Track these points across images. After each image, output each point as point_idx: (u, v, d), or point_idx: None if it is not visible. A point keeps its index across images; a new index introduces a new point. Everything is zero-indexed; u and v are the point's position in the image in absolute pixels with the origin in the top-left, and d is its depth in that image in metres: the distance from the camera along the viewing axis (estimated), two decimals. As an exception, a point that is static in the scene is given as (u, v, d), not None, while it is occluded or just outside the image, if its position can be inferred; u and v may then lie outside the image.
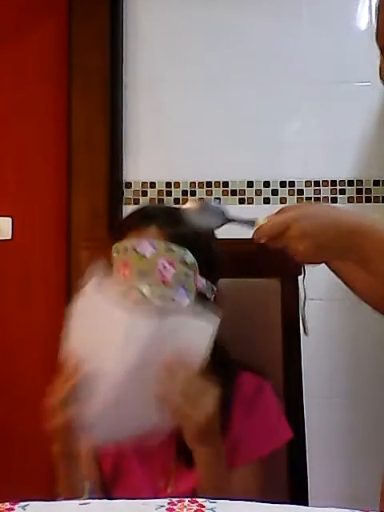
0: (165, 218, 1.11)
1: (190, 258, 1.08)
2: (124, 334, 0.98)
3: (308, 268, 1.39)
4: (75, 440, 1.01)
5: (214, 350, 1.05)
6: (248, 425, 1.09)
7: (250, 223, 1.02)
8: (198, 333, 0.98)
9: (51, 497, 1.04)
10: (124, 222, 1.15)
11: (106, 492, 1.14)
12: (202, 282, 1.10)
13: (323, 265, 1.46)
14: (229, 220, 1.03)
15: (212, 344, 0.98)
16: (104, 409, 0.98)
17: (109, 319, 1.00)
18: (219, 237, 1.33)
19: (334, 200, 1.98)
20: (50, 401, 1.00)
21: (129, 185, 2.02)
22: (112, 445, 1.06)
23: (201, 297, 1.10)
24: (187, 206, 1.04)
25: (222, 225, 1.03)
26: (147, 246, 1.06)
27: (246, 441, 1.07)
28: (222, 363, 1.11)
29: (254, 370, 1.16)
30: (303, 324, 1.26)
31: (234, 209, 2.08)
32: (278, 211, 1.02)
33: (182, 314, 1.00)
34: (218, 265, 1.14)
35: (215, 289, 1.13)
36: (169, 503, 0.79)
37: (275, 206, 1.98)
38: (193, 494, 1.01)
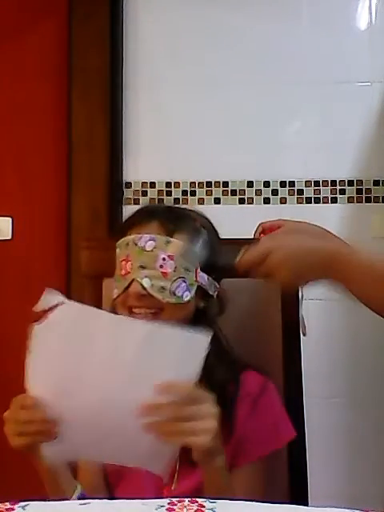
0: (166, 215, 1.12)
1: (190, 252, 1.09)
2: (112, 346, 0.89)
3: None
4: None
5: (218, 349, 1.05)
6: (252, 423, 1.09)
7: (211, 288, 1.06)
8: (190, 348, 0.88)
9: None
10: (127, 220, 1.16)
11: (109, 490, 1.14)
12: (203, 277, 1.10)
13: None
14: (210, 258, 1.05)
15: (203, 362, 0.88)
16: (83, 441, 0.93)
17: (88, 333, 0.92)
18: (221, 237, 1.33)
19: (334, 200, 1.98)
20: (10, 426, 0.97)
21: (129, 185, 2.02)
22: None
23: (203, 293, 1.10)
24: (170, 248, 1.05)
25: (205, 263, 1.05)
26: (147, 239, 1.07)
27: (250, 439, 1.07)
28: (227, 362, 1.11)
29: (257, 368, 1.16)
30: (302, 325, 1.26)
31: (234, 209, 2.10)
32: (258, 242, 1.05)
33: (172, 328, 0.91)
34: (221, 262, 1.14)
35: (218, 286, 1.13)
36: (169, 503, 0.79)
37: (275, 206, 2.02)
38: (197, 492, 1.01)
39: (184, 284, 1.08)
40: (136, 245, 1.07)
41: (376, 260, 1.02)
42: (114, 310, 1.11)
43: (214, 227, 1.19)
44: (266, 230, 1.39)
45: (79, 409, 0.91)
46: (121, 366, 0.89)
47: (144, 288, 1.05)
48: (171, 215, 1.13)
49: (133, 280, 1.06)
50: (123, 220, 1.22)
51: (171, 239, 1.08)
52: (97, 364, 0.90)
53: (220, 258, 1.13)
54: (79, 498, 1.02)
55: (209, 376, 0.96)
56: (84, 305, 0.99)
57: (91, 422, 0.91)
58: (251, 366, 1.16)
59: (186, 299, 1.07)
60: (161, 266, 1.06)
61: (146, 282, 1.05)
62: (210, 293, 1.11)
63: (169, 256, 1.07)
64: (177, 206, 1.25)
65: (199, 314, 1.12)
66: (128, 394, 0.88)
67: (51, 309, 0.97)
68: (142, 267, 1.06)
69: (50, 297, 0.99)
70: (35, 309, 0.96)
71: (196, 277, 1.09)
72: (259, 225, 1.43)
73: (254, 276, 1.03)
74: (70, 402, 0.91)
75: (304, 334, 1.28)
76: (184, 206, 1.22)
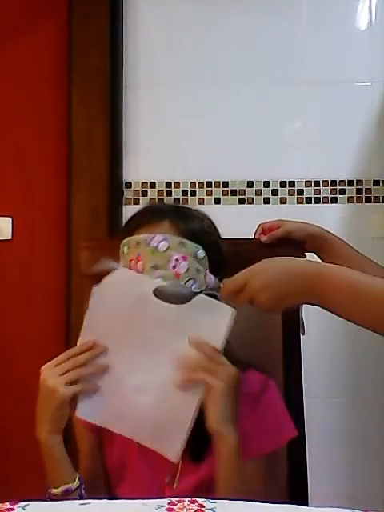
0: (176, 214, 1.13)
1: (201, 253, 1.09)
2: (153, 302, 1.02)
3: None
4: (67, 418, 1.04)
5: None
6: (253, 421, 1.09)
7: (216, 288, 1.07)
8: (220, 315, 1.03)
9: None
10: (134, 218, 1.16)
11: (111, 487, 1.15)
12: (210, 278, 1.11)
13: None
14: (196, 293, 1.06)
15: (230, 330, 1.03)
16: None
17: (136, 290, 1.04)
18: (222, 237, 1.33)
19: (334, 200, 1.98)
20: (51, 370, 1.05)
21: (129, 185, 2.02)
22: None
23: (208, 293, 1.10)
24: (158, 287, 1.05)
25: (190, 299, 1.05)
26: (161, 239, 1.07)
27: (251, 437, 1.07)
28: (229, 361, 1.12)
29: (258, 368, 1.16)
30: (302, 324, 1.26)
31: (234, 209, 2.10)
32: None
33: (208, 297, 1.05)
34: (225, 263, 1.15)
35: (221, 286, 1.13)
36: (169, 503, 0.79)
37: (275, 206, 2.02)
38: (198, 490, 1.02)
39: (194, 285, 1.08)
40: (148, 245, 1.07)
41: (357, 280, 1.03)
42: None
43: (216, 227, 1.19)
44: (265, 230, 1.40)
45: (120, 363, 1.04)
46: (162, 324, 1.04)
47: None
48: (181, 215, 1.13)
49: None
50: (125, 219, 1.22)
51: (185, 240, 1.08)
52: (143, 321, 1.04)
53: (225, 256, 1.15)
54: (79, 496, 1.04)
55: None
56: (131, 272, 1.07)
57: (125, 380, 1.04)
58: (253, 365, 1.16)
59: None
60: (173, 267, 1.06)
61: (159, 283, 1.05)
62: (215, 293, 1.11)
63: (182, 257, 1.07)
64: (182, 205, 1.25)
65: None
66: (165, 348, 1.03)
67: (107, 273, 1.07)
68: (155, 268, 1.06)
69: (106, 263, 1.08)
70: (90, 270, 1.10)
71: (205, 277, 1.10)
72: (259, 225, 1.43)
73: (237, 305, 1.05)
74: (113, 355, 1.05)
75: (303, 334, 1.29)
76: (187, 206, 1.22)
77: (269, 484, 1.11)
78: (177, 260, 1.07)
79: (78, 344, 1.07)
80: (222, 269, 1.13)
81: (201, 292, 1.06)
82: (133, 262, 1.07)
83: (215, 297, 1.10)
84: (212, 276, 1.11)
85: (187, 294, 1.05)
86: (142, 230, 1.10)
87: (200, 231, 1.12)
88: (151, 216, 1.12)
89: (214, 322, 1.03)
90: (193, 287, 1.07)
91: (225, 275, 1.14)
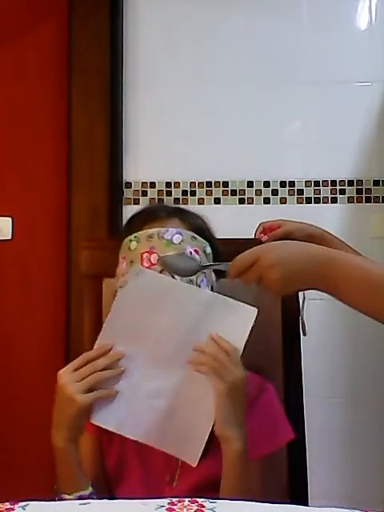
0: (183, 212, 1.15)
1: (209, 249, 1.12)
2: (178, 301, 1.03)
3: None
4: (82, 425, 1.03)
5: None
6: (250, 424, 1.09)
7: (223, 265, 1.06)
8: (244, 316, 1.03)
9: (51, 497, 1.04)
10: (139, 216, 1.17)
11: (110, 487, 1.15)
12: (213, 277, 1.13)
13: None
14: (203, 267, 1.07)
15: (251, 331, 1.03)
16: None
17: (160, 292, 1.04)
18: (221, 237, 1.34)
19: (334, 200, 1.98)
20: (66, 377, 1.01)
21: (129, 185, 2.02)
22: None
23: (215, 269, 1.12)
24: (166, 255, 1.06)
25: (197, 272, 1.07)
26: (175, 232, 1.09)
27: (248, 440, 1.07)
28: None
29: (256, 370, 1.16)
30: (302, 325, 1.26)
31: (234, 209, 2.10)
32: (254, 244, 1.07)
33: (229, 298, 1.04)
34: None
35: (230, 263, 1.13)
36: (169, 503, 0.79)
37: (275, 206, 2.02)
38: (198, 489, 1.02)
39: (205, 279, 1.10)
40: (162, 237, 1.08)
41: (369, 269, 1.01)
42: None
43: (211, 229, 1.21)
44: (266, 229, 1.40)
45: (138, 368, 1.03)
46: (183, 327, 1.03)
47: (174, 278, 1.06)
48: (186, 213, 1.16)
49: (161, 271, 1.07)
50: (125, 219, 1.23)
51: (196, 235, 1.10)
52: (165, 324, 1.03)
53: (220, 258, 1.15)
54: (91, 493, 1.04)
55: None
56: (158, 274, 1.07)
57: (143, 385, 1.03)
58: (251, 368, 1.16)
59: None
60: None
61: (172, 272, 1.07)
62: (222, 269, 1.11)
63: (195, 250, 1.09)
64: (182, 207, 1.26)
65: None
66: (186, 352, 1.02)
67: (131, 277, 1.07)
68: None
69: (133, 270, 1.07)
70: (123, 281, 1.08)
71: (211, 274, 1.12)
72: (259, 224, 1.43)
73: (245, 281, 1.04)
74: (132, 359, 1.04)
75: (304, 334, 1.28)
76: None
77: (266, 486, 1.11)
78: (190, 252, 1.09)
79: (96, 346, 1.05)
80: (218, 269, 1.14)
81: (208, 266, 1.07)
82: (145, 254, 1.08)
83: (223, 273, 1.11)
84: (213, 275, 1.13)
85: (194, 267, 1.06)
86: (152, 225, 1.11)
87: (205, 229, 1.15)
88: (159, 212, 1.14)
89: (238, 323, 1.03)
90: (203, 282, 1.09)
91: (220, 275, 1.15)
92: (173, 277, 1.07)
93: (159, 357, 1.04)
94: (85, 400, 1.00)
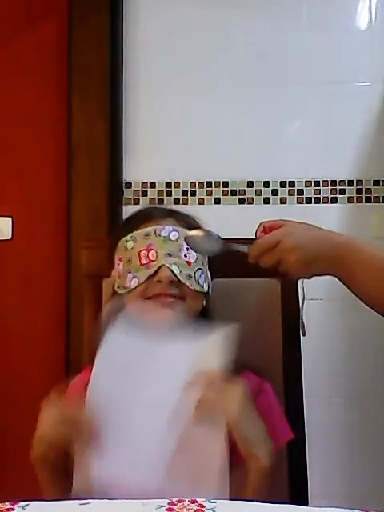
0: (176, 212, 1.18)
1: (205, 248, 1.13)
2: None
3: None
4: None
5: None
6: None
7: (244, 247, 1.07)
8: (216, 339, 1.02)
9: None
10: (134, 217, 1.19)
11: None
12: (208, 275, 1.15)
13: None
14: (226, 248, 1.09)
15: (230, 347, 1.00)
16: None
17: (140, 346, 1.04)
18: (221, 237, 1.33)
19: (334, 200, 1.98)
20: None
21: (129, 185, 2.02)
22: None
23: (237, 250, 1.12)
24: (192, 233, 1.08)
25: (221, 251, 1.08)
26: (171, 230, 1.11)
27: None
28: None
29: (255, 370, 1.16)
30: (302, 325, 1.26)
31: (234, 209, 2.10)
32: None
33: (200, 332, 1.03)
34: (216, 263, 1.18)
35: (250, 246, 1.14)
36: (169, 503, 0.79)
37: (275, 206, 2.01)
38: None
39: (203, 275, 1.13)
40: (159, 235, 1.11)
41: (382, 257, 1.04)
42: (120, 303, 1.13)
43: None
44: (266, 228, 1.40)
45: (133, 421, 1.01)
46: (170, 370, 1.02)
47: (174, 274, 1.09)
48: (180, 213, 1.18)
49: (161, 266, 1.09)
50: (124, 219, 1.23)
51: (191, 232, 1.11)
52: (150, 372, 1.02)
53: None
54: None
55: None
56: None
57: (142, 436, 1.00)
58: (249, 368, 1.16)
59: (206, 289, 1.13)
60: (185, 255, 1.11)
61: (175, 269, 1.09)
62: (245, 251, 1.11)
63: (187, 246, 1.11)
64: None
65: (203, 312, 1.15)
66: (177, 392, 0.98)
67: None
68: (169, 255, 1.10)
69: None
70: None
71: (207, 272, 1.15)
72: (260, 224, 1.43)
73: (264, 264, 1.05)
74: (125, 413, 1.00)
75: (303, 335, 1.29)
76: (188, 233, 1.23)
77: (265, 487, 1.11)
78: (187, 249, 1.11)
79: (89, 393, 1.02)
80: (214, 269, 1.17)
81: (231, 248, 1.08)
82: (143, 252, 1.10)
83: (207, 293, 1.13)
84: (209, 273, 1.15)
85: (217, 248, 1.08)
86: (147, 224, 1.13)
87: (198, 227, 1.16)
88: (154, 212, 1.17)
89: (212, 347, 1.02)
90: (201, 278, 1.11)
91: (215, 275, 1.17)
92: (203, 261, 1.13)
93: (155, 404, 1.01)
94: (52, 438, 0.98)
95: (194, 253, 1.11)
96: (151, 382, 1.02)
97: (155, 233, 1.11)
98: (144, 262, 1.09)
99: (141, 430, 1.00)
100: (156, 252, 1.10)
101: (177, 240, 1.11)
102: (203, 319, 1.13)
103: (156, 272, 1.09)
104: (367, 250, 1.05)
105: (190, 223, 1.16)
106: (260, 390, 1.13)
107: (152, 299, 1.10)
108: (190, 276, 1.10)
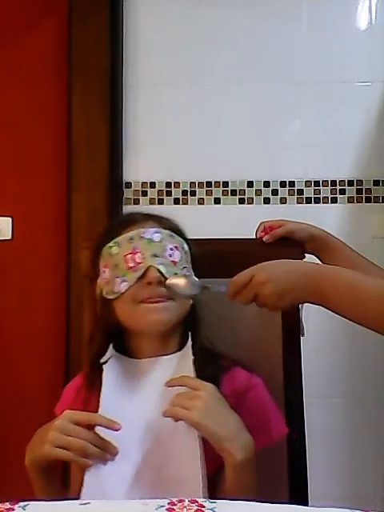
0: (156, 216, 1.19)
1: (187, 246, 1.17)
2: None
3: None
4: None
5: (199, 348, 1.11)
6: None
7: (223, 287, 1.10)
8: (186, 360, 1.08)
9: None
10: (115, 224, 1.21)
11: None
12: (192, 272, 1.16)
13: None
14: (205, 287, 1.11)
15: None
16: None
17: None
18: (221, 237, 1.34)
19: (334, 200, 1.98)
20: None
21: (129, 185, 2.02)
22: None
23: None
24: (172, 281, 1.10)
25: (201, 292, 1.11)
26: (153, 232, 1.13)
27: None
28: (208, 360, 1.13)
29: (244, 365, 1.16)
30: (301, 325, 1.27)
31: (234, 209, 2.10)
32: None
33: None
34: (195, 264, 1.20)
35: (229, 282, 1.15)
36: (169, 503, 0.79)
37: (275, 206, 2.02)
38: None
39: (189, 273, 1.15)
40: (143, 237, 1.12)
41: (358, 282, 1.07)
42: (110, 307, 1.14)
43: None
44: (267, 228, 1.40)
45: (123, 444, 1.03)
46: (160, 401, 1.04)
47: (162, 274, 1.10)
48: (160, 217, 1.20)
49: (149, 267, 1.10)
50: (104, 227, 1.26)
51: (173, 233, 1.15)
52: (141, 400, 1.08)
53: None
54: None
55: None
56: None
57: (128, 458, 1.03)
58: (239, 363, 1.16)
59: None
60: (170, 255, 1.12)
61: (162, 268, 1.10)
62: (222, 290, 1.13)
63: (175, 246, 1.14)
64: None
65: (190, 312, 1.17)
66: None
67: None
68: (155, 256, 1.11)
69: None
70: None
71: (191, 270, 1.16)
72: (260, 223, 1.43)
73: (242, 301, 1.09)
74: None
75: (302, 335, 1.29)
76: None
77: (260, 483, 1.10)
78: (171, 249, 1.13)
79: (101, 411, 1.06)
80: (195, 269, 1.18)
81: (209, 287, 1.10)
82: (129, 256, 1.11)
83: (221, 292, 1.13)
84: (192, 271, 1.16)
85: (198, 288, 1.10)
86: (130, 229, 1.14)
87: (179, 229, 1.19)
88: (135, 217, 1.19)
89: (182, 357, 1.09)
90: (187, 274, 1.13)
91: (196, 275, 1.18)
92: (187, 261, 1.16)
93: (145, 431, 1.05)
94: (51, 452, 0.99)
95: (179, 253, 1.13)
96: (137, 401, 1.07)
97: (139, 236, 1.12)
98: (131, 265, 1.10)
99: (126, 446, 1.03)
100: (142, 254, 1.10)
101: (160, 241, 1.12)
102: (192, 318, 1.16)
103: (144, 274, 1.10)
104: (338, 275, 1.08)
105: (171, 224, 1.18)
106: (249, 384, 1.13)
107: (143, 303, 1.11)
108: (177, 274, 1.12)
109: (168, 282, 1.09)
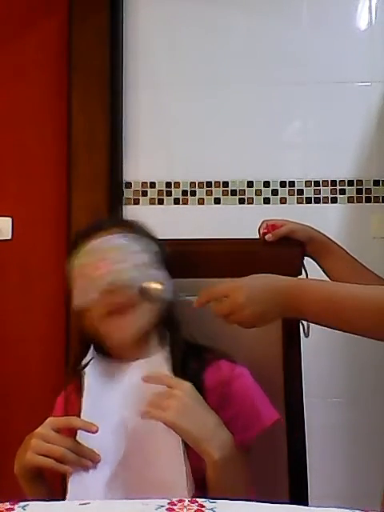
0: (120, 221, 1.23)
1: (154, 247, 1.16)
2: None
3: (308, 269, 1.40)
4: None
5: (180, 344, 1.13)
6: (226, 411, 1.08)
7: (193, 298, 1.11)
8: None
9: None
10: (84, 232, 1.19)
11: None
12: (164, 273, 1.15)
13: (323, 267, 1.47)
14: (177, 297, 1.13)
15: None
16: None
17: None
18: (221, 237, 1.34)
19: (334, 200, 1.98)
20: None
21: (129, 185, 2.02)
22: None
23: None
24: (147, 285, 1.10)
25: (173, 300, 1.12)
26: (118, 238, 1.13)
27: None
28: (191, 355, 1.14)
29: (229, 357, 1.16)
30: (303, 326, 1.27)
31: (234, 209, 2.10)
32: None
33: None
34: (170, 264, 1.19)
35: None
36: (169, 503, 0.79)
37: (275, 206, 2.02)
38: None
39: (158, 274, 1.14)
40: (107, 245, 1.12)
41: (332, 290, 1.08)
42: (82, 317, 1.16)
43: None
44: (269, 226, 1.40)
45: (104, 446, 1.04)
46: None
47: (124, 281, 1.09)
48: (124, 221, 1.23)
49: (112, 276, 1.09)
50: (74, 238, 1.26)
51: (138, 236, 1.15)
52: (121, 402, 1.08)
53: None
54: None
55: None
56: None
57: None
58: (222, 355, 1.16)
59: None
60: (134, 260, 1.11)
61: (124, 276, 1.09)
62: (192, 299, 1.13)
63: (140, 250, 1.13)
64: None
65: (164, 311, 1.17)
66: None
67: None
68: (119, 262, 1.10)
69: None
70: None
71: (162, 271, 1.15)
72: (262, 222, 1.44)
73: (214, 312, 1.08)
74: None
75: (306, 336, 1.28)
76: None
77: (253, 474, 1.11)
78: (136, 253, 1.12)
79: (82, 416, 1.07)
80: (167, 269, 1.17)
81: (182, 297, 1.12)
82: (95, 265, 1.10)
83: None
84: (163, 272, 1.15)
85: (172, 291, 1.11)
86: (96, 237, 1.14)
87: (145, 230, 1.19)
88: (100, 225, 1.18)
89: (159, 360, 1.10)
90: (156, 276, 1.12)
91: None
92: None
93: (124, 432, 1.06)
94: (32, 460, 1.02)
95: (145, 255, 1.13)
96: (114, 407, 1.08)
97: (102, 244, 1.12)
98: (96, 274, 1.10)
99: (107, 449, 1.04)
100: (107, 262, 1.10)
101: (125, 247, 1.12)
102: (169, 316, 1.16)
103: (110, 282, 1.09)
104: (312, 288, 1.08)
105: (136, 229, 1.18)
106: (233, 374, 1.13)
107: (110, 314, 1.11)
108: (144, 276, 1.11)
109: (144, 285, 1.09)
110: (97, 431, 1.01)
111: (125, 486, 1.01)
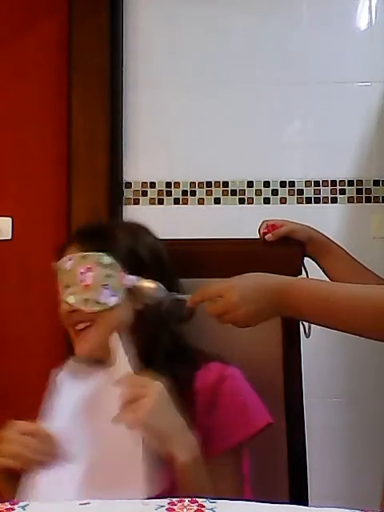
0: (83, 233, 1.20)
1: (107, 259, 1.14)
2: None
3: (308, 268, 1.40)
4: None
5: (173, 344, 1.13)
6: (215, 415, 1.08)
7: (186, 296, 1.12)
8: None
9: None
10: (62, 245, 1.23)
11: None
12: (129, 278, 1.14)
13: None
14: (170, 296, 1.13)
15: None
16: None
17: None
18: (221, 237, 1.33)
19: (334, 200, 1.98)
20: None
21: (129, 185, 2.02)
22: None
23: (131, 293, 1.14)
24: (140, 283, 1.12)
25: (165, 299, 1.13)
26: (67, 260, 1.15)
27: (213, 432, 1.06)
28: (181, 356, 1.14)
29: (223, 360, 1.15)
30: (304, 326, 1.27)
31: (234, 209, 2.10)
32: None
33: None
34: (151, 263, 1.18)
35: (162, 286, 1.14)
36: (169, 503, 0.79)
37: (275, 206, 2.02)
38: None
39: (107, 291, 1.13)
40: (60, 268, 1.16)
41: (323, 288, 1.08)
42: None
43: (151, 233, 1.23)
44: (269, 226, 1.41)
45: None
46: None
47: (70, 305, 1.13)
48: (88, 231, 1.20)
49: (63, 300, 1.14)
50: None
51: (86, 253, 1.14)
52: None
53: (166, 261, 1.19)
54: None
55: (162, 373, 1.03)
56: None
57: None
58: (217, 358, 1.15)
59: (111, 304, 1.12)
60: (81, 281, 1.13)
61: (70, 299, 1.13)
62: (185, 299, 1.13)
63: (87, 268, 1.13)
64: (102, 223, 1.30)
65: (143, 316, 1.15)
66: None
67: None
68: (67, 286, 1.14)
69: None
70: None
71: (121, 280, 1.13)
72: (263, 221, 1.44)
73: (209, 314, 1.08)
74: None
75: (307, 336, 1.28)
76: (116, 221, 1.24)
77: (245, 476, 1.10)
78: (82, 273, 1.13)
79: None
80: (149, 269, 1.16)
81: (171, 296, 1.12)
82: (58, 289, 1.17)
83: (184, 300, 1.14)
84: (133, 277, 1.14)
85: (163, 295, 1.12)
86: (62, 255, 1.19)
87: (107, 241, 1.17)
88: (66, 244, 1.21)
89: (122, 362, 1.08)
90: (103, 294, 1.12)
91: (170, 275, 1.18)
92: (109, 274, 1.15)
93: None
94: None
95: (94, 274, 1.12)
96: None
97: (58, 267, 1.17)
98: (59, 297, 1.16)
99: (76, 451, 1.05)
100: (60, 286, 1.16)
101: (71, 269, 1.14)
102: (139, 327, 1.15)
103: (62, 307, 1.15)
104: (306, 286, 1.09)
105: (93, 241, 1.16)
106: (224, 375, 1.12)
107: (71, 327, 1.16)
108: (87, 300, 1.12)
109: (136, 283, 1.12)
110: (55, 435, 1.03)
111: (92, 486, 1.01)
